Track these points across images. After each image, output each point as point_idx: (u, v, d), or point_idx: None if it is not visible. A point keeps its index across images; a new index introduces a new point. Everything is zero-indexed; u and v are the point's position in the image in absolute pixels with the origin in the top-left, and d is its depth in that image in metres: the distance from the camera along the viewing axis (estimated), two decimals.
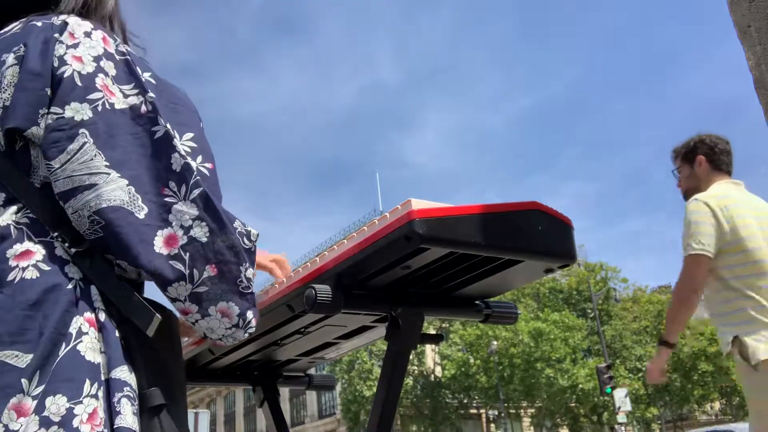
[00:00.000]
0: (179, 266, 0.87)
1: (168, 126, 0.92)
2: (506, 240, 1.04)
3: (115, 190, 0.87)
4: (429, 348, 30.89)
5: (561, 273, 30.55)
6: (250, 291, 0.93)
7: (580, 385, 27.26)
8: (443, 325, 28.98)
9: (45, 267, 0.86)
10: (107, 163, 0.87)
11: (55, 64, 0.91)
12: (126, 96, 0.93)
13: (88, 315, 0.85)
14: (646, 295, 33.68)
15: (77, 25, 0.96)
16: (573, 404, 29.30)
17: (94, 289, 0.88)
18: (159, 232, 0.87)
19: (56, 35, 0.93)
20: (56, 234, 0.89)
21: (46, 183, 0.90)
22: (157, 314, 0.87)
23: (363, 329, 1.38)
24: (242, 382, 1.69)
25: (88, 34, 0.95)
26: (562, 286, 32.27)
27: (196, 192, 0.89)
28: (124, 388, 0.83)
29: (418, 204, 0.97)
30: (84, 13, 1.05)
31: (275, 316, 1.23)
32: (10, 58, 0.93)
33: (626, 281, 33.79)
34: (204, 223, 0.89)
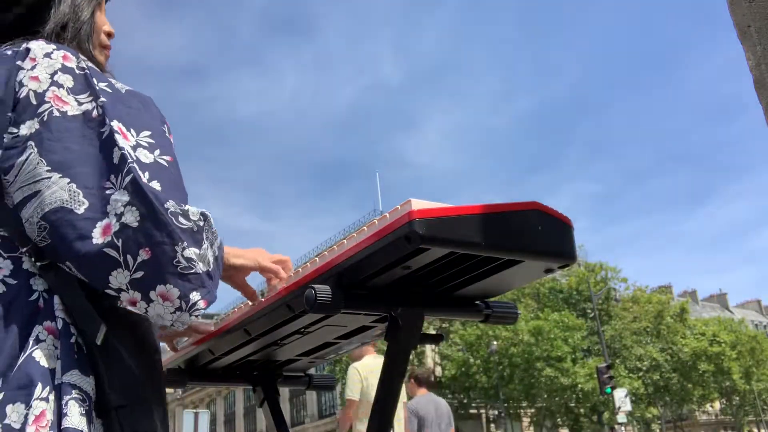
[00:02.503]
0: (113, 253, 0.88)
1: (113, 124, 0.95)
2: (506, 240, 1.04)
3: (56, 192, 0.90)
4: (429, 348, 30.85)
5: (561, 273, 30.50)
6: (192, 272, 0.92)
7: (580, 385, 27.24)
8: (443, 325, 28.96)
9: (11, 281, 0.92)
10: (48, 168, 0.91)
11: (16, 89, 0.97)
12: (80, 104, 0.98)
13: (48, 324, 0.90)
14: (646, 295, 33.67)
15: (39, 48, 1.02)
16: (573, 404, 29.29)
17: (57, 300, 0.92)
18: (98, 224, 0.90)
19: (19, 62, 1.00)
20: (25, 249, 0.94)
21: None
22: (104, 323, 0.90)
23: (363, 329, 1.38)
24: (242, 382, 1.69)
25: (48, 55, 1.01)
26: (562, 286, 32.26)
27: (128, 179, 0.91)
28: (72, 391, 0.86)
29: (418, 204, 0.97)
30: (63, 36, 1.10)
31: (275, 316, 1.23)
32: None
33: (626, 281, 33.80)
34: (134, 208, 0.90)
